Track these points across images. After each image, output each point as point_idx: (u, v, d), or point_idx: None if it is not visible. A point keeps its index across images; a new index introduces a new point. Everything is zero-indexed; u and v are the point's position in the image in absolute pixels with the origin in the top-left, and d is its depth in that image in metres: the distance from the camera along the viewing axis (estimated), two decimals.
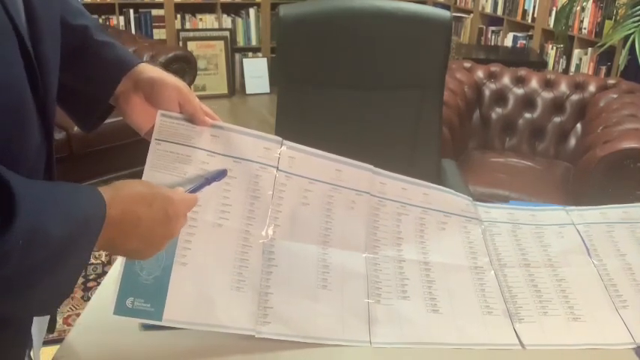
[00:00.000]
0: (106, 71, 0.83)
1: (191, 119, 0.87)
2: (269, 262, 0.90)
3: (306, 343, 0.85)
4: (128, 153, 2.70)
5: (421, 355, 0.86)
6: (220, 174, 0.87)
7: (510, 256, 1.01)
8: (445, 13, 1.53)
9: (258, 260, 0.89)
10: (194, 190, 0.80)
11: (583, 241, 1.04)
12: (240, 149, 0.91)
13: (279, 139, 0.95)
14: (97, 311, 0.90)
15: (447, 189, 1.08)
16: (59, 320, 2.15)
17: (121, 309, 0.81)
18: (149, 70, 0.85)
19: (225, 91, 4.95)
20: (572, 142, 2.73)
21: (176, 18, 4.81)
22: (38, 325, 0.76)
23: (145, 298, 0.82)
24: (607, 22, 3.59)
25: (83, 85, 0.83)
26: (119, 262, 0.83)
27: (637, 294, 0.95)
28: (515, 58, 4.01)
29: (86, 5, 4.47)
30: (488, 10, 4.72)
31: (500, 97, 2.84)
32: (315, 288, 0.91)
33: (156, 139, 0.86)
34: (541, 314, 0.92)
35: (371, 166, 1.01)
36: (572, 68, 3.92)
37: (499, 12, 4.59)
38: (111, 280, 0.84)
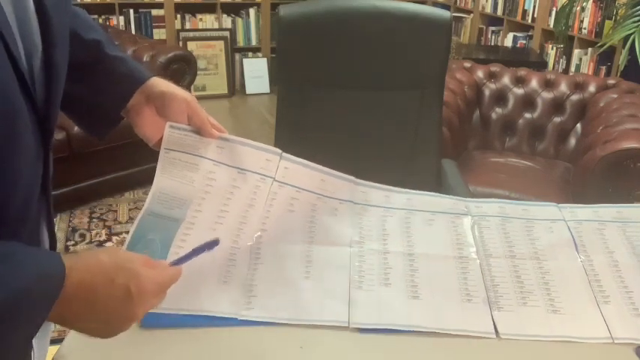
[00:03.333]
0: (119, 85, 0.86)
1: (198, 131, 0.91)
2: (255, 261, 0.95)
3: (305, 348, 0.85)
4: (128, 153, 2.71)
5: (418, 351, 0.86)
6: (212, 244, 0.84)
7: (497, 247, 1.02)
8: (445, 13, 1.53)
9: (245, 260, 0.94)
10: (179, 262, 0.76)
11: (572, 237, 1.04)
12: (244, 161, 0.95)
13: (279, 151, 0.99)
14: None
15: (432, 193, 1.11)
16: None
17: None
18: (160, 83, 0.88)
19: (225, 91, 4.95)
20: (572, 142, 2.73)
21: (176, 18, 4.81)
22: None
23: None
24: (607, 22, 3.59)
25: (95, 98, 0.86)
26: None
27: (620, 290, 0.95)
28: (515, 58, 4.01)
29: (86, 5, 4.47)
30: (489, 10, 4.72)
31: (500, 97, 2.84)
32: (298, 279, 0.94)
33: (165, 149, 0.90)
34: (520, 304, 0.93)
35: (353, 177, 1.06)
36: (572, 68, 3.92)
37: (499, 12, 4.59)
38: None
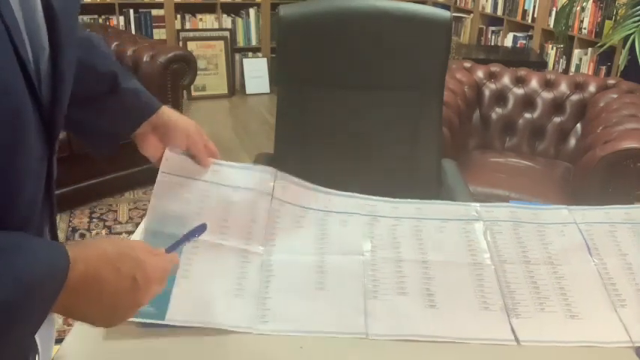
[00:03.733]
0: (129, 116, 0.94)
1: (194, 159, 0.99)
2: (268, 274, 0.95)
3: (305, 348, 0.85)
4: (128, 153, 2.70)
5: (417, 349, 0.86)
6: (200, 229, 0.86)
7: (510, 253, 1.01)
8: (445, 13, 1.53)
9: (256, 273, 0.95)
10: (171, 249, 0.78)
11: (585, 240, 1.04)
12: (238, 179, 1.01)
13: (274, 170, 1.04)
14: None
15: (441, 201, 1.11)
16: (59, 320, 2.15)
17: None
18: (165, 113, 0.96)
19: (225, 91, 4.95)
20: (572, 142, 2.73)
21: (176, 18, 4.81)
22: (46, 326, 0.75)
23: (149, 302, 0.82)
24: (607, 22, 3.59)
25: (104, 125, 0.93)
26: None
27: (636, 293, 0.95)
28: (515, 58, 4.01)
29: (86, 5, 4.47)
30: (489, 10, 4.72)
31: (500, 97, 2.84)
32: (313, 290, 0.93)
33: (162, 172, 0.98)
34: (538, 310, 0.92)
35: (358, 194, 1.09)
36: (572, 68, 3.92)
37: (499, 12, 4.59)
38: None
